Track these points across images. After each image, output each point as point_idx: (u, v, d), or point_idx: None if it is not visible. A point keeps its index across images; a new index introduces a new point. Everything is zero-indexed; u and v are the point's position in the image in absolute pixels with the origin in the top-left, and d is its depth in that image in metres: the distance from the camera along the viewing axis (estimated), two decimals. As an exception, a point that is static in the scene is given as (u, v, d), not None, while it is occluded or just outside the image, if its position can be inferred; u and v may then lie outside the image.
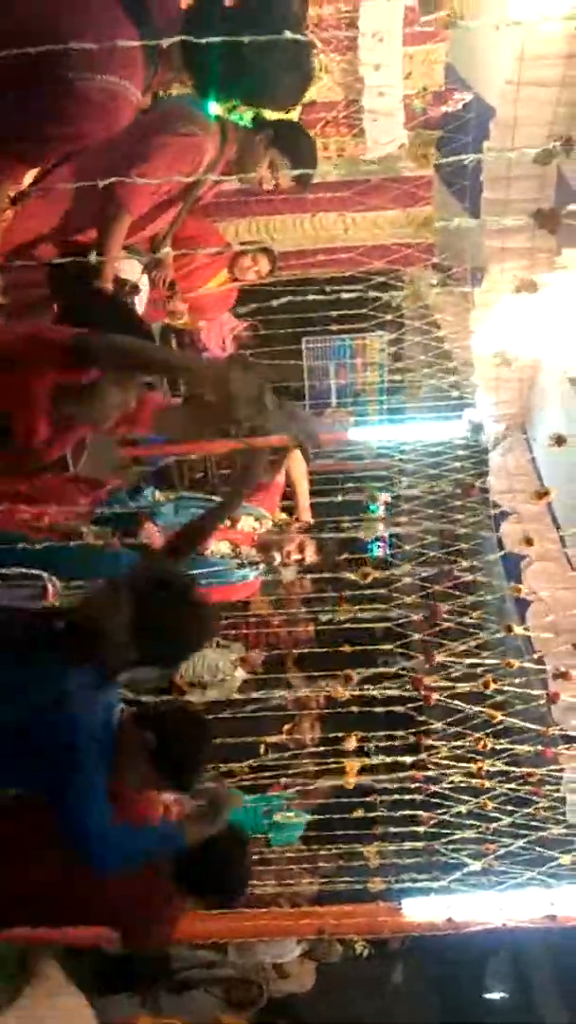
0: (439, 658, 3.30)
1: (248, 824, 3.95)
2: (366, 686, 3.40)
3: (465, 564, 4.19)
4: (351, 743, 3.08)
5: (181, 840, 2.24)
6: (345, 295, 4.09)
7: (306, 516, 4.26)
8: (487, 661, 3.23)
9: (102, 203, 2.31)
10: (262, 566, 3.92)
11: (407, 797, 3.26)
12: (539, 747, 3.05)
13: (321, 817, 3.59)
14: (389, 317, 4.56)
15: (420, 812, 3.21)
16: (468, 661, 3.22)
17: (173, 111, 2.49)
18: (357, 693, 3.39)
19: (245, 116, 5.69)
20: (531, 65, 3.70)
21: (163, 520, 3.68)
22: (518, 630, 3.07)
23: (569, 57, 3.66)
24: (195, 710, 2.54)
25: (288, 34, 1.89)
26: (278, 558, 3.82)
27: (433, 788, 3.22)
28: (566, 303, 3.26)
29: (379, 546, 5.87)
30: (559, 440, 2.60)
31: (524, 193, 3.89)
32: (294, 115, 5.64)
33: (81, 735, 2.09)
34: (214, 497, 4.01)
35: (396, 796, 3.29)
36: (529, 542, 3.35)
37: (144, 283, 2.76)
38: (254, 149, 2.60)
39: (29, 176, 2.06)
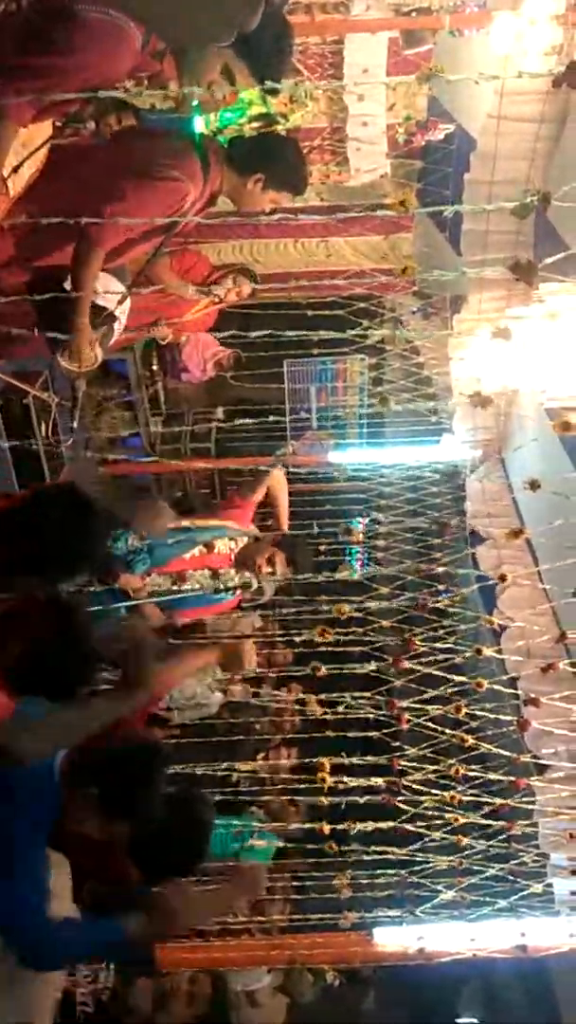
0: (411, 678, 3.30)
1: (217, 848, 3.91)
2: (339, 706, 3.39)
3: (442, 588, 4.21)
4: (326, 769, 3.05)
5: (120, 935, 2.08)
6: (326, 319, 4.12)
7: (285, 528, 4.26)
8: (457, 677, 3.23)
9: (76, 238, 2.30)
10: (241, 581, 3.90)
11: (381, 824, 3.24)
12: (511, 777, 3.05)
13: (292, 844, 3.56)
14: (370, 342, 4.59)
15: (393, 848, 3.19)
16: (439, 666, 3.21)
17: (157, 147, 2.46)
18: (331, 716, 3.37)
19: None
20: (512, 100, 3.79)
21: (141, 568, 3.63)
22: (488, 652, 3.07)
23: (549, 92, 3.75)
24: (136, 741, 2.37)
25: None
26: (254, 580, 3.80)
27: (406, 818, 3.20)
28: (542, 335, 3.31)
29: (357, 560, 5.88)
30: (533, 484, 2.62)
31: (503, 225, 3.96)
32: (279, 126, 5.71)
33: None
34: (196, 522, 3.95)
35: (370, 823, 3.27)
36: (503, 578, 3.37)
37: (122, 312, 2.75)
38: (256, 198, 2.58)
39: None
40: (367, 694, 3.51)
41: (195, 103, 2.26)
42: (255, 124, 5.61)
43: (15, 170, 2.18)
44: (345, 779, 3.11)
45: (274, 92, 2.38)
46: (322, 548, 4.69)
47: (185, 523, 3.80)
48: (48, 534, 2.02)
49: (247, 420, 5.28)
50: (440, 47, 4.60)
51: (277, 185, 2.57)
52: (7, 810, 2.00)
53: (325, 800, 3.13)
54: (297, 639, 3.57)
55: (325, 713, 3.27)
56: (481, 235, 4.05)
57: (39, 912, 1.97)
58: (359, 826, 3.24)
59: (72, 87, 1.96)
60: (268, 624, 4.89)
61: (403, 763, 3.21)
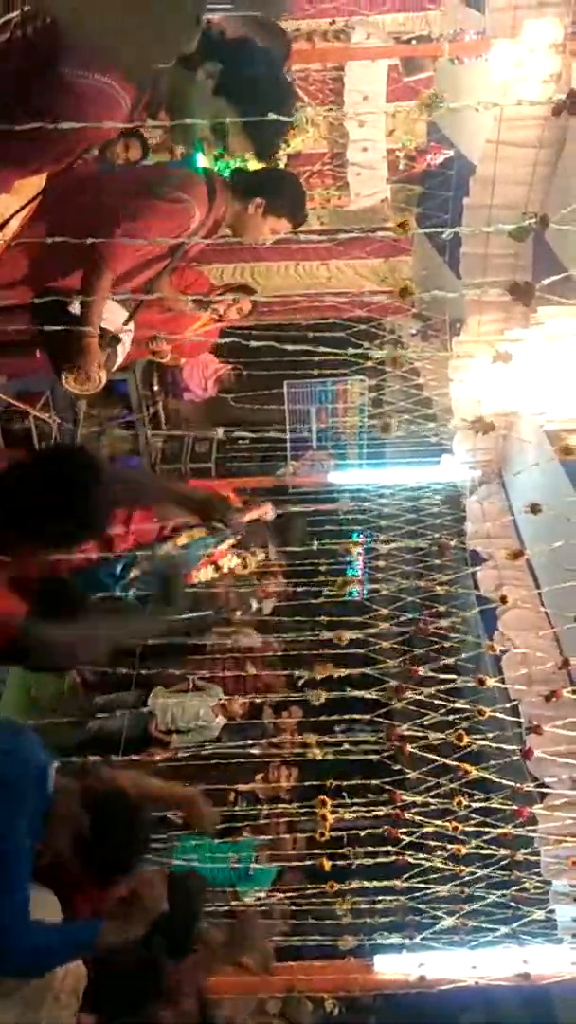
0: (412, 697, 3.28)
1: (216, 876, 3.86)
2: (340, 735, 3.37)
3: (441, 609, 4.19)
4: (327, 807, 3.03)
5: (93, 939, 2.07)
6: (326, 340, 4.14)
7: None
8: (459, 703, 3.21)
9: (84, 261, 2.31)
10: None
11: (381, 850, 3.20)
12: (514, 806, 3.02)
13: (292, 864, 3.53)
14: (370, 363, 4.62)
15: (394, 877, 3.15)
16: (438, 695, 3.19)
17: (164, 171, 2.50)
18: (331, 740, 3.35)
19: (232, 166, 5.82)
20: (511, 126, 3.83)
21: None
22: (491, 682, 3.05)
23: (547, 119, 3.79)
24: (133, 804, 2.34)
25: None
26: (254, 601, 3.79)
27: (407, 844, 3.17)
28: (541, 357, 3.32)
29: (356, 592, 5.87)
30: (534, 508, 2.62)
31: (502, 248, 3.99)
32: (279, 165, 5.79)
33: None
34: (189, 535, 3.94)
35: (370, 849, 3.23)
36: (504, 600, 3.36)
37: (126, 334, 2.76)
38: (256, 224, 2.61)
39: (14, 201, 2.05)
40: (367, 731, 3.48)
41: (197, 141, 2.22)
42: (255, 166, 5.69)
43: (5, 223, 2.15)
44: (346, 813, 3.08)
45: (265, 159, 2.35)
46: (322, 568, 4.68)
47: (182, 541, 3.74)
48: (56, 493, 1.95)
49: (247, 439, 5.31)
50: (440, 74, 4.66)
51: (277, 211, 2.60)
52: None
53: (326, 834, 3.10)
54: (298, 678, 3.56)
55: (326, 753, 3.25)
56: (480, 259, 4.08)
57: (22, 915, 1.94)
58: (359, 853, 3.21)
59: (57, 153, 1.92)
60: (268, 646, 4.86)
61: (405, 795, 3.18)
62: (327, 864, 3.07)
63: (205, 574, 3.80)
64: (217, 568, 3.88)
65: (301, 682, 3.36)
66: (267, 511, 4.00)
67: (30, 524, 1.94)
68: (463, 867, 2.99)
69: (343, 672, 3.32)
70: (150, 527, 3.40)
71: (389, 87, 5.54)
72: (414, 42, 5.08)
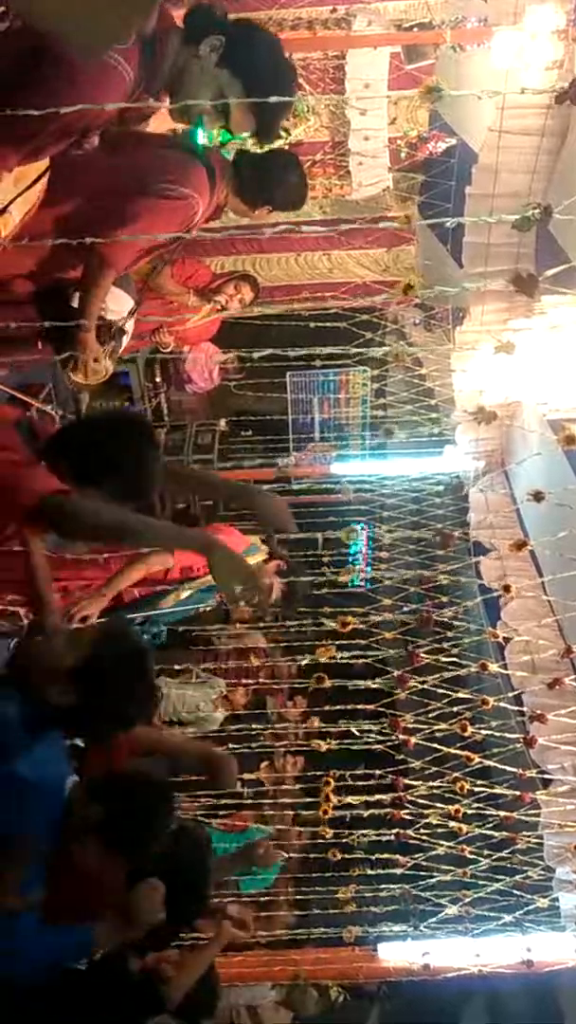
0: (415, 691, 3.29)
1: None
2: (343, 722, 3.38)
3: (444, 599, 4.19)
4: (330, 790, 3.04)
5: (89, 937, 2.05)
6: (328, 331, 4.12)
7: None
8: (462, 695, 3.21)
9: (86, 257, 2.30)
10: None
11: (384, 838, 3.22)
12: (517, 792, 3.03)
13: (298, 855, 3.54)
14: (372, 354, 4.60)
15: (397, 856, 3.17)
16: (443, 690, 3.20)
17: (163, 161, 2.47)
18: (335, 730, 3.36)
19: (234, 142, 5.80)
20: (513, 114, 3.80)
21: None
22: (493, 667, 3.06)
23: (550, 107, 3.77)
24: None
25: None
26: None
27: (411, 831, 3.18)
28: (544, 347, 3.31)
29: (360, 563, 5.86)
30: (537, 496, 2.62)
31: (505, 238, 3.96)
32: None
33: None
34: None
35: (374, 836, 3.25)
36: (507, 588, 3.36)
37: (129, 326, 2.76)
38: (260, 217, 2.63)
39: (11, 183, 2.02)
40: (371, 719, 3.48)
41: (199, 115, 2.18)
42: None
43: (4, 209, 2.12)
44: (350, 797, 3.09)
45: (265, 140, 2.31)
46: (325, 559, 4.68)
47: (185, 594, 3.66)
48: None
49: (249, 431, 5.29)
50: (441, 62, 4.63)
51: (281, 207, 2.62)
52: (14, 819, 1.95)
53: (330, 813, 3.10)
54: (301, 661, 3.54)
55: (329, 746, 3.25)
56: (483, 248, 4.05)
57: (29, 924, 1.92)
58: (363, 836, 3.22)
59: (57, 130, 1.88)
60: (272, 638, 4.87)
61: (407, 780, 3.19)
62: (329, 832, 3.07)
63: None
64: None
65: (304, 663, 3.34)
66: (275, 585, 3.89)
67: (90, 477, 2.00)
68: (465, 847, 3.00)
69: (345, 656, 3.31)
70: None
71: (391, 75, 5.51)
72: (416, 30, 5.04)
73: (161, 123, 2.94)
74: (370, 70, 5.49)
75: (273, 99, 1.91)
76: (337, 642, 3.59)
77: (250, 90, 1.98)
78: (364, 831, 3.22)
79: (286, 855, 3.64)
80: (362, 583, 5.18)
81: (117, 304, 2.66)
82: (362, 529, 5.28)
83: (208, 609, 3.68)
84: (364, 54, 5.46)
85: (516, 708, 3.22)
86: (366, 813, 3.28)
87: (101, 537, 2.24)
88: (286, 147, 5.70)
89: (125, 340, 2.73)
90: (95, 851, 2.05)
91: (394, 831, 3.19)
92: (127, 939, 2.18)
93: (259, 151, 2.62)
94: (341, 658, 3.23)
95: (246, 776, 4.15)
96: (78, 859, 2.04)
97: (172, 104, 2.07)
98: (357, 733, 3.24)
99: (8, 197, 2.13)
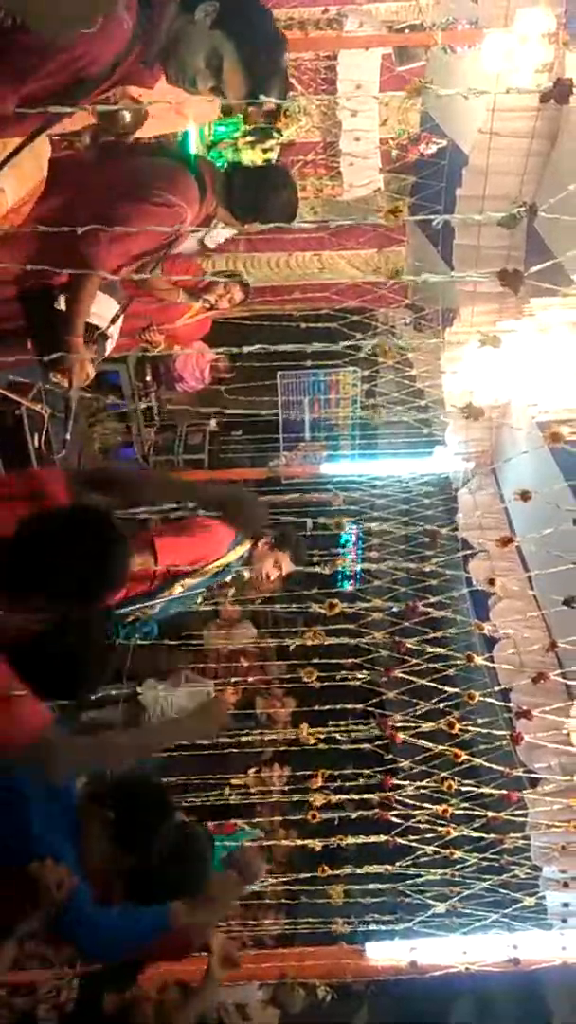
0: (403, 689, 3.30)
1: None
2: (332, 723, 3.38)
3: (433, 599, 4.21)
4: (318, 786, 3.03)
5: (165, 920, 2.10)
6: (319, 331, 4.14)
7: None
8: (448, 689, 3.22)
9: (73, 260, 2.30)
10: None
11: (372, 838, 3.23)
12: (504, 791, 3.04)
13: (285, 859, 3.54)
14: (362, 354, 4.62)
15: (385, 862, 3.18)
16: (430, 681, 3.20)
17: (153, 170, 2.48)
18: (323, 732, 3.36)
19: (225, 154, 5.80)
20: (503, 116, 3.83)
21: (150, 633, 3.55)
22: (479, 660, 3.07)
23: (539, 110, 3.79)
24: (147, 778, 2.40)
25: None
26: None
27: (398, 831, 3.19)
28: (533, 348, 3.33)
29: (349, 583, 5.87)
30: (524, 495, 2.63)
31: (494, 240, 3.99)
32: (272, 155, 5.76)
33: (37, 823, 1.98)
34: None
35: (362, 837, 3.26)
36: (492, 582, 3.37)
37: (114, 330, 2.76)
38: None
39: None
40: (359, 719, 3.49)
41: (192, 76, 2.17)
42: (249, 138, 5.66)
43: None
44: (337, 796, 3.09)
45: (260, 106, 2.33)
46: (315, 559, 4.69)
47: (178, 590, 3.64)
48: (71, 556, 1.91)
49: (240, 431, 5.29)
50: (432, 64, 4.65)
51: (271, 222, 2.63)
52: (25, 818, 2.00)
53: (318, 816, 3.11)
54: (289, 644, 3.53)
55: (317, 743, 3.26)
56: (473, 249, 4.08)
57: (85, 902, 1.98)
58: (351, 839, 3.23)
59: (56, 69, 1.84)
60: (261, 636, 4.87)
61: (395, 780, 3.20)
62: (318, 845, 3.08)
63: None
64: None
65: (291, 647, 3.33)
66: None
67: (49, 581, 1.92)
68: (453, 849, 3.01)
69: (333, 641, 3.30)
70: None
71: (382, 76, 5.52)
72: (407, 31, 5.06)
73: (157, 125, 2.95)
74: (361, 71, 5.51)
75: (275, 92, 1.93)
76: (326, 627, 3.58)
77: (242, 49, 2.01)
78: (353, 832, 3.22)
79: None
80: (352, 581, 5.20)
81: (101, 309, 2.66)
82: (352, 528, 5.29)
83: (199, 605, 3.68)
84: (355, 55, 5.47)
85: (503, 704, 3.23)
86: (355, 815, 3.28)
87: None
88: (278, 147, 5.72)
89: (109, 345, 2.73)
90: (107, 853, 2.12)
91: (383, 838, 3.19)
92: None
93: (253, 166, 2.64)
94: (328, 644, 3.22)
95: (234, 780, 4.16)
96: (90, 859, 2.10)
97: (168, 70, 2.08)
98: (341, 737, 3.24)
99: (14, 191, 2.12)
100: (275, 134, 5.61)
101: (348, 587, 5.94)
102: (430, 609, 3.71)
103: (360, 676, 3.43)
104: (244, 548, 3.49)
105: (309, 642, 3.26)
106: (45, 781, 2.04)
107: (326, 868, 3.15)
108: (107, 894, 2.16)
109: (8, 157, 2.05)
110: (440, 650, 3.38)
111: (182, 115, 2.89)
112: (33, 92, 1.87)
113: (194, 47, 2.01)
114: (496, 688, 3.26)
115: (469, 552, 4.20)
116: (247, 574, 3.43)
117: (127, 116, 2.73)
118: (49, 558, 1.88)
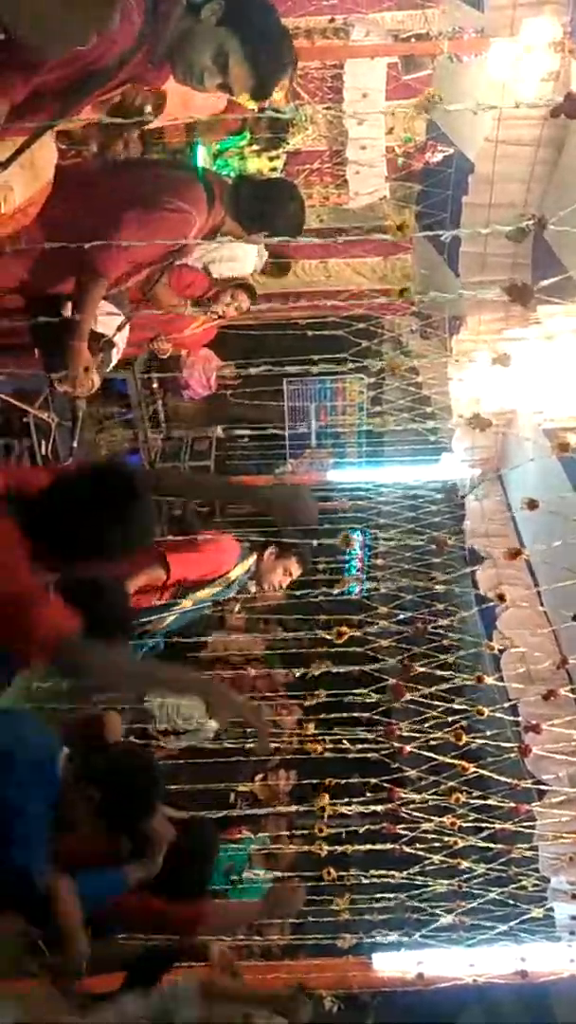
0: (412, 697, 3.28)
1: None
2: (337, 730, 3.37)
3: (440, 607, 4.19)
4: (323, 800, 3.02)
5: (121, 884, 2.16)
6: (325, 339, 4.14)
7: None
8: (457, 706, 3.21)
9: (79, 267, 2.31)
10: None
11: (379, 847, 3.21)
12: (512, 803, 3.02)
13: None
14: (368, 361, 4.62)
15: (392, 872, 3.16)
16: (437, 700, 3.19)
17: (163, 178, 2.49)
18: (330, 740, 3.35)
19: (232, 163, 5.82)
20: (509, 124, 3.83)
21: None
22: (489, 680, 3.06)
23: (546, 118, 3.79)
24: (137, 753, 2.40)
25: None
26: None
27: (405, 840, 3.18)
28: (540, 356, 3.33)
29: (356, 588, 5.85)
30: (531, 504, 2.63)
31: (501, 248, 3.99)
32: (278, 163, 5.78)
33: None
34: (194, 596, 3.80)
35: (368, 846, 3.24)
36: (502, 598, 3.36)
37: (120, 338, 2.77)
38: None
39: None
40: (366, 728, 3.47)
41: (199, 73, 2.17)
42: (255, 146, 5.68)
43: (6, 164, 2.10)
44: (345, 807, 3.08)
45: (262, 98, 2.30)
46: (320, 566, 4.68)
47: (188, 604, 3.62)
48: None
49: (245, 437, 5.28)
50: (438, 72, 4.66)
51: (278, 235, 2.64)
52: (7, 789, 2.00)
53: (324, 829, 3.09)
54: (296, 673, 3.53)
55: (324, 751, 3.24)
56: (479, 257, 4.08)
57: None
58: (358, 848, 3.21)
59: (66, 60, 1.82)
60: (268, 645, 4.85)
61: (403, 792, 3.18)
62: (325, 849, 3.07)
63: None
64: None
65: (298, 675, 3.33)
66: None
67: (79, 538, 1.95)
68: (460, 859, 2.99)
69: (342, 669, 3.30)
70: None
71: (388, 85, 5.54)
72: (413, 40, 5.07)
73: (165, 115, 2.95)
74: (368, 80, 5.52)
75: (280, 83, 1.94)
76: (333, 649, 3.58)
77: (247, 44, 2.01)
78: (360, 843, 3.20)
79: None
80: (358, 591, 5.18)
81: (106, 317, 2.67)
82: (357, 537, 5.28)
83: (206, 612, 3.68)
84: (362, 64, 5.49)
85: (512, 719, 3.21)
86: (361, 829, 3.26)
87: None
88: (284, 155, 5.74)
89: (115, 354, 2.74)
90: (95, 830, 2.11)
91: (389, 846, 3.18)
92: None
93: (260, 177, 2.66)
94: (337, 673, 3.23)
95: (240, 788, 4.13)
96: (78, 836, 2.10)
97: (175, 68, 2.08)
98: (349, 745, 3.23)
99: (18, 194, 2.12)
100: (282, 143, 5.64)
101: (355, 591, 5.92)
102: (438, 620, 3.70)
103: (368, 690, 3.42)
104: (250, 561, 3.49)
105: (316, 672, 3.26)
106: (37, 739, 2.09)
107: (331, 870, 3.14)
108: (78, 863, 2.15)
109: (17, 152, 2.05)
110: (448, 658, 3.37)
111: (189, 107, 2.88)
112: (42, 84, 1.88)
113: (201, 45, 2.04)
114: (505, 704, 3.24)
115: (477, 568, 4.18)
116: (253, 588, 3.45)
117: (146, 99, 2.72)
118: (74, 512, 1.92)
